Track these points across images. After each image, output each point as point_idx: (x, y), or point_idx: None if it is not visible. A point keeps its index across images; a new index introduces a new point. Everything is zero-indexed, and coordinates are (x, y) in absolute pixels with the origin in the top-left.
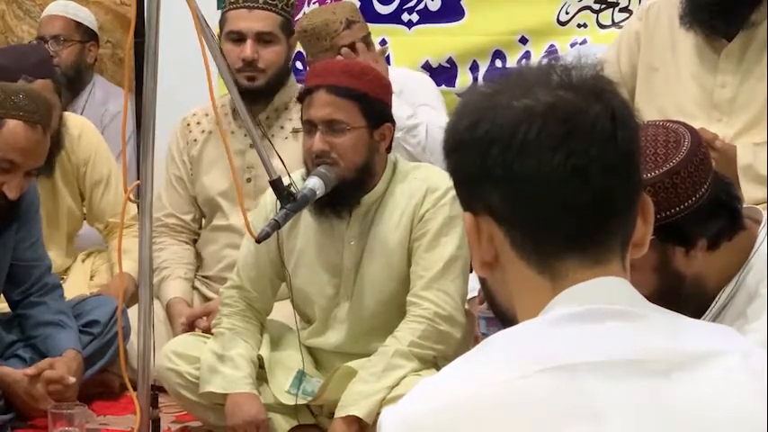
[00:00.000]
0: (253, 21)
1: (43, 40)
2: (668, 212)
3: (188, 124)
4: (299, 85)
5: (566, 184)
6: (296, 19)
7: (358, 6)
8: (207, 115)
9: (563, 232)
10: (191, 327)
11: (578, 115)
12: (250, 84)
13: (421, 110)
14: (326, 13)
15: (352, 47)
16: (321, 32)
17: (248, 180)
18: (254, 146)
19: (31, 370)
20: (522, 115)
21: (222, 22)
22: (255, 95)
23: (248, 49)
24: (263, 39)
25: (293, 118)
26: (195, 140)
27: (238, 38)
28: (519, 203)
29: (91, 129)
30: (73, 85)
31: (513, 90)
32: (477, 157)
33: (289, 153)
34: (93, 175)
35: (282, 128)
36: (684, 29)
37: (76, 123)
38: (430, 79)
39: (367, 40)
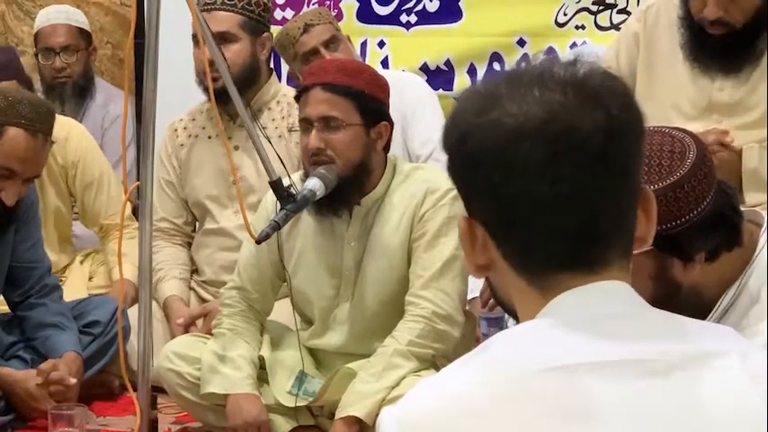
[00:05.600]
0: (210, 22)
1: (53, 51)
2: (669, 225)
3: (175, 129)
4: (287, 87)
5: (552, 212)
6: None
7: (357, 7)
8: (193, 120)
9: (552, 256)
10: (188, 328)
11: (570, 133)
12: (214, 84)
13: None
14: (291, 21)
15: (314, 52)
16: (283, 42)
17: (233, 183)
18: (237, 149)
19: (38, 378)
20: (510, 136)
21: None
22: (222, 95)
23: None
24: (222, 38)
25: (275, 118)
26: (182, 145)
27: (198, 40)
28: (507, 225)
29: (79, 132)
30: (83, 92)
31: (506, 99)
32: (466, 172)
33: (270, 155)
34: (83, 178)
35: (266, 128)
36: (684, 58)
37: (63, 126)
38: (425, 83)
39: (331, 42)
